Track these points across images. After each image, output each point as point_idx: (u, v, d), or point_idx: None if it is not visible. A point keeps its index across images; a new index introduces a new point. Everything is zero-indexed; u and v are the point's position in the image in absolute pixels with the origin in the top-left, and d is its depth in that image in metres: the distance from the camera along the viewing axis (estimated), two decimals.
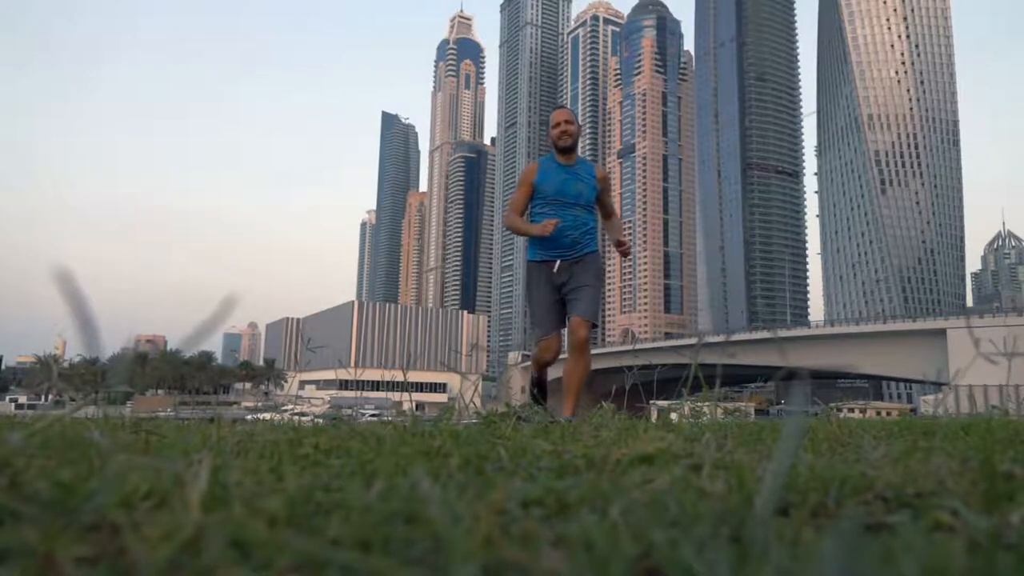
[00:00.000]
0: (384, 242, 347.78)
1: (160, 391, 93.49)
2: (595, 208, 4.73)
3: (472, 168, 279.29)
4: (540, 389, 4.83)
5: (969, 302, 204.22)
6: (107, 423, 1.65)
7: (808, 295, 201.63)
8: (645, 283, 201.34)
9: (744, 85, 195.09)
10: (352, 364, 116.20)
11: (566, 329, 4.59)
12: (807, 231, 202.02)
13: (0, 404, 71.43)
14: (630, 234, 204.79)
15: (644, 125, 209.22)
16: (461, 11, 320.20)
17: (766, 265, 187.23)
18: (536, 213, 4.62)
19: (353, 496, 0.62)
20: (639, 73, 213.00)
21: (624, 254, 4.54)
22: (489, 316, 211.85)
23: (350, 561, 0.44)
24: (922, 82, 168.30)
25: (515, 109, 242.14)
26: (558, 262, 4.52)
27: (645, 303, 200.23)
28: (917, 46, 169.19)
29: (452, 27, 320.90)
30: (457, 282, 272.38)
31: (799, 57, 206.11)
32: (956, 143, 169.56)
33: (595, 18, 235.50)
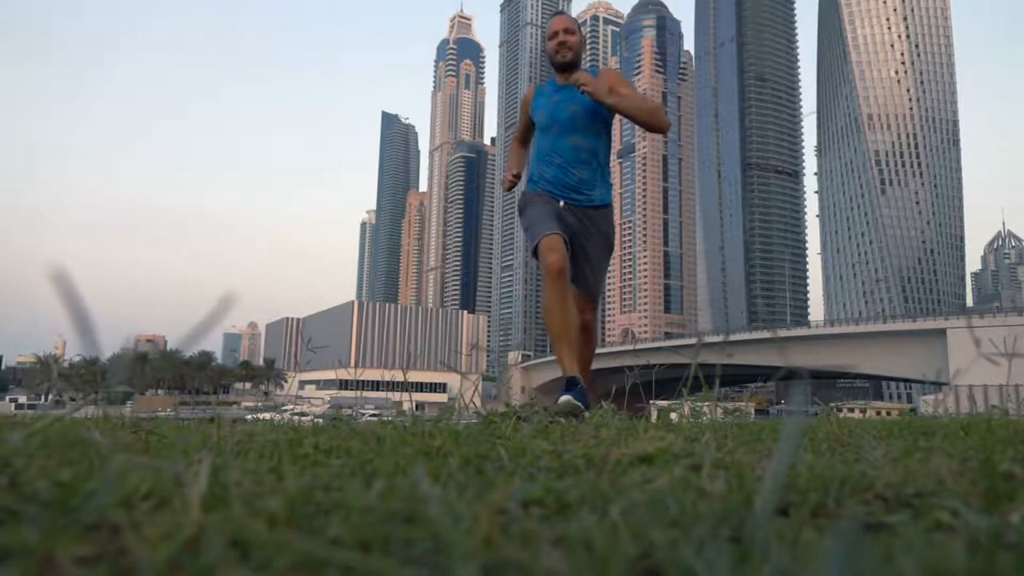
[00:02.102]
0: (384, 242, 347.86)
1: (160, 391, 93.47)
2: (603, 128, 3.78)
3: (472, 168, 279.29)
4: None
5: (969, 302, 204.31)
6: (107, 423, 1.65)
7: (808, 295, 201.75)
8: (645, 283, 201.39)
9: (744, 85, 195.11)
10: (352, 364, 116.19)
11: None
12: (807, 231, 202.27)
13: (0, 404, 71.44)
14: (630, 234, 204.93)
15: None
16: (461, 11, 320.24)
17: (766, 265, 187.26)
18: (537, 146, 3.93)
19: (353, 496, 0.62)
20: (639, 73, 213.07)
21: (573, 80, 3.54)
22: (489, 316, 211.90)
23: (350, 561, 0.44)
24: (922, 82, 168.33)
25: (515, 109, 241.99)
26: (562, 203, 3.71)
27: (645, 303, 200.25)
28: (917, 46, 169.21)
29: (452, 27, 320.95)
30: (457, 282, 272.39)
31: (799, 57, 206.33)
32: (956, 143, 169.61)
33: (595, 18, 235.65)
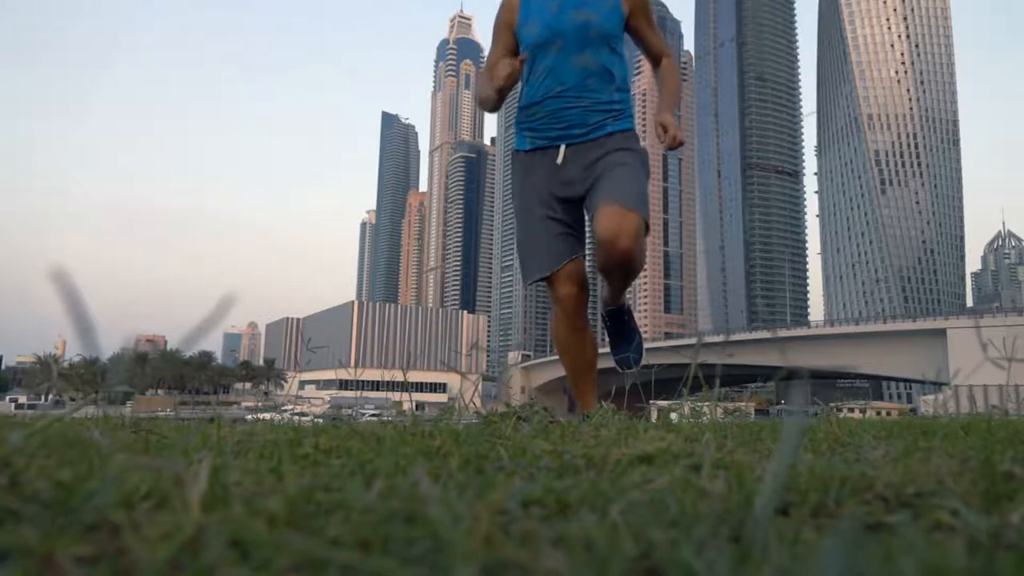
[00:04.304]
0: (384, 242, 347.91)
1: (160, 391, 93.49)
2: (620, 47, 2.81)
3: (472, 168, 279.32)
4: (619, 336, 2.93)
5: (969, 302, 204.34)
6: (107, 423, 1.65)
7: (808, 295, 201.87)
8: (645, 283, 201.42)
9: (744, 85, 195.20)
10: (352, 364, 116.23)
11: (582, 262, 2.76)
12: (807, 231, 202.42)
13: (0, 404, 71.43)
14: None
15: (644, 125, 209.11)
16: (461, 11, 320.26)
17: (766, 265, 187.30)
18: (529, 72, 2.80)
19: (353, 496, 0.61)
20: (639, 73, 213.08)
21: (671, 146, 2.55)
22: (489, 316, 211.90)
23: (350, 561, 0.43)
24: (922, 82, 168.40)
25: (515, 109, 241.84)
26: (562, 148, 2.71)
27: (645, 303, 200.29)
28: (917, 46, 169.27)
29: (452, 27, 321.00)
30: (457, 282, 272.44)
31: (799, 57, 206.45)
32: (956, 143, 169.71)
33: None
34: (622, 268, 2.56)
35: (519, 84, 2.88)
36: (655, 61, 2.94)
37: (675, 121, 2.63)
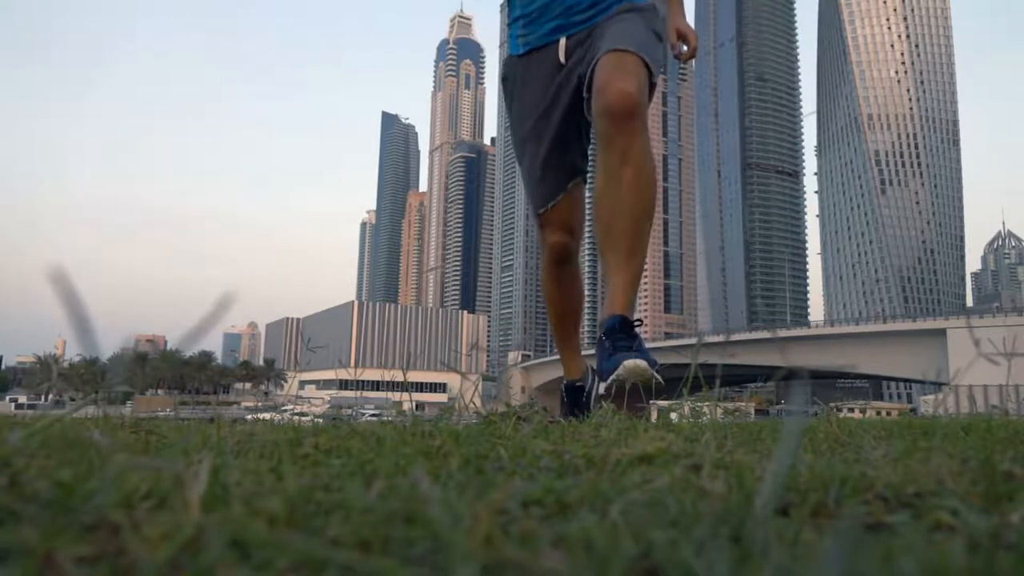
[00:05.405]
0: (384, 242, 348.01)
1: (160, 391, 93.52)
2: None
3: (472, 168, 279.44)
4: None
5: (969, 302, 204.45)
6: (107, 423, 1.65)
7: (808, 295, 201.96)
8: (645, 283, 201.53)
9: (744, 85, 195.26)
10: (352, 364, 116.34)
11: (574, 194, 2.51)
12: (807, 231, 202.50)
13: (0, 404, 71.44)
14: None
15: None
16: (461, 11, 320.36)
17: (766, 265, 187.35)
18: None
19: (353, 496, 0.61)
20: None
21: (689, 56, 2.50)
22: (489, 316, 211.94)
23: (350, 561, 0.43)
24: (922, 82, 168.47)
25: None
26: (562, 41, 2.35)
27: (645, 303, 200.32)
28: (917, 46, 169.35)
29: (452, 27, 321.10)
30: (457, 282, 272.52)
31: (799, 57, 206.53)
32: (956, 143, 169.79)
33: None
34: (621, 117, 2.04)
35: None
36: None
37: (691, 28, 2.39)
